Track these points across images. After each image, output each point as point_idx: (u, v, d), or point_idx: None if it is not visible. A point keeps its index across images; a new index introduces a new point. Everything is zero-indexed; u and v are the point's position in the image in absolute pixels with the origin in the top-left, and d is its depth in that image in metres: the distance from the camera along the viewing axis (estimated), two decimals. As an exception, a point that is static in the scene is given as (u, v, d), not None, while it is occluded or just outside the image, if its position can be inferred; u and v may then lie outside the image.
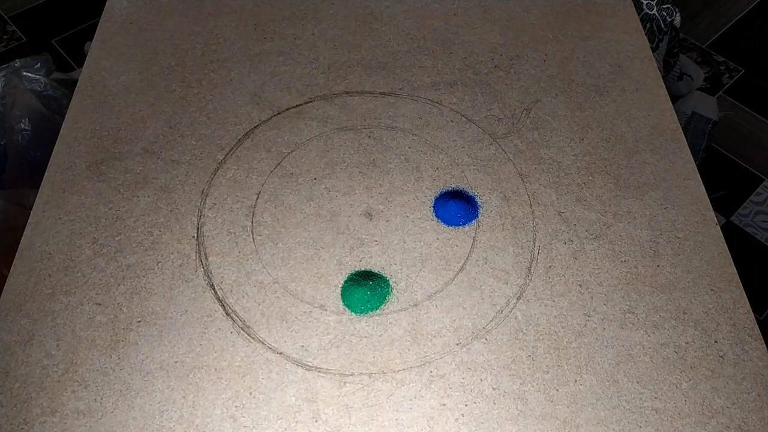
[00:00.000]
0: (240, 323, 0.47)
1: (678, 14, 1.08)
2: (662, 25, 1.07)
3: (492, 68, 0.63)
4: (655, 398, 0.44)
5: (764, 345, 0.47)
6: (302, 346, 0.46)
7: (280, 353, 0.46)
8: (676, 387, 0.45)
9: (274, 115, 0.59)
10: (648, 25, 1.04)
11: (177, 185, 0.55)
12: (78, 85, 0.62)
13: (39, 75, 1.14)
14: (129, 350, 0.46)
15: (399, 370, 0.45)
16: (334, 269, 0.50)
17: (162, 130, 0.58)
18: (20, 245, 0.51)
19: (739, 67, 1.60)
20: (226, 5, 0.69)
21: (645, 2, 1.05)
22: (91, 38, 0.67)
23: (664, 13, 1.06)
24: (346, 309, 0.48)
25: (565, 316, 0.48)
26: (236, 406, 0.44)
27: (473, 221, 0.53)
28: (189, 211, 0.53)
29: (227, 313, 0.48)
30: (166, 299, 0.48)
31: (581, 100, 0.61)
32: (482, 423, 0.43)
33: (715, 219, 0.53)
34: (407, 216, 0.53)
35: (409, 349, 0.46)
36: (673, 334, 0.47)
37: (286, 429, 0.43)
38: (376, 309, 0.48)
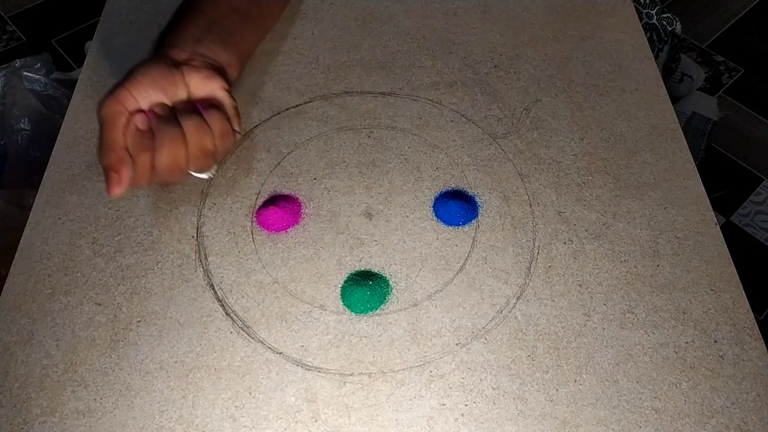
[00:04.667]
0: (240, 323, 0.47)
1: (678, 23, 1.08)
2: (662, 34, 1.07)
3: (492, 68, 0.63)
4: (655, 398, 0.44)
5: (764, 345, 0.47)
6: (302, 346, 0.46)
7: (280, 353, 0.46)
8: (676, 387, 0.45)
9: (274, 115, 0.59)
10: (648, 34, 1.04)
11: (176, 185, 0.55)
12: (78, 85, 0.62)
13: (39, 75, 1.14)
14: (129, 350, 0.46)
15: (399, 370, 0.45)
16: (334, 269, 0.50)
17: (162, 130, 0.58)
18: (20, 245, 0.51)
19: (738, 67, 1.60)
20: (226, 5, 0.69)
21: (645, 11, 1.05)
22: (91, 38, 0.67)
23: (665, 23, 1.07)
24: (346, 309, 0.48)
25: (564, 316, 0.48)
26: (236, 406, 0.44)
27: (473, 221, 0.53)
28: (189, 211, 0.53)
29: (227, 313, 0.48)
30: (166, 299, 0.48)
31: (581, 100, 0.61)
32: (482, 423, 0.43)
33: (715, 219, 0.53)
34: (407, 216, 0.53)
35: (408, 349, 0.46)
36: (673, 334, 0.47)
37: (285, 429, 0.43)
38: (376, 309, 0.48)
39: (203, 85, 0.48)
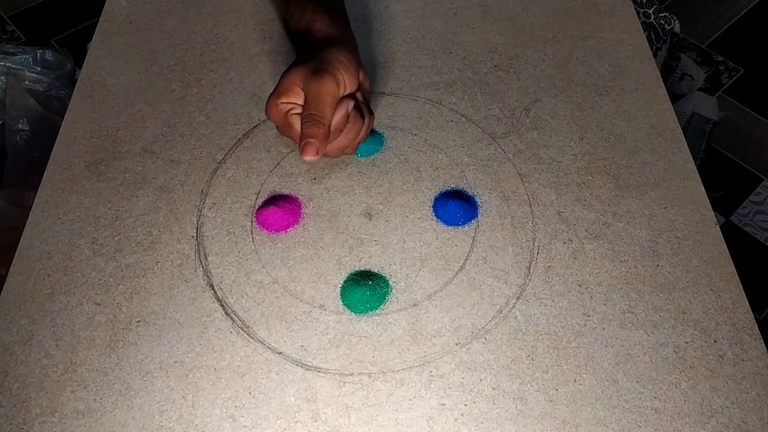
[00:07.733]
0: (239, 323, 0.47)
1: (677, 22, 1.08)
2: (660, 33, 1.07)
3: (491, 68, 0.63)
4: (655, 398, 0.44)
5: (764, 345, 0.47)
6: (302, 345, 0.46)
7: (280, 353, 0.46)
8: (676, 387, 0.45)
9: (274, 115, 0.59)
10: (645, 33, 1.04)
11: (176, 185, 0.55)
12: (77, 85, 0.62)
13: (40, 74, 1.14)
14: (128, 350, 0.46)
15: (398, 370, 0.45)
16: (334, 269, 0.50)
17: (161, 130, 0.58)
18: (19, 245, 0.51)
19: (738, 67, 1.60)
20: (226, 5, 0.69)
21: (642, 10, 1.06)
22: (91, 38, 0.67)
23: (662, 21, 1.06)
24: (346, 309, 0.48)
25: (564, 316, 0.48)
26: (236, 406, 0.44)
27: (473, 221, 0.53)
28: (188, 210, 0.53)
29: (227, 313, 0.48)
30: (166, 299, 0.48)
31: (581, 99, 0.61)
32: (482, 423, 0.43)
33: (715, 219, 0.53)
34: (407, 216, 0.53)
35: (408, 349, 0.46)
36: (673, 333, 0.47)
37: (285, 429, 0.43)
38: (376, 309, 0.48)
39: (365, 78, 0.55)
